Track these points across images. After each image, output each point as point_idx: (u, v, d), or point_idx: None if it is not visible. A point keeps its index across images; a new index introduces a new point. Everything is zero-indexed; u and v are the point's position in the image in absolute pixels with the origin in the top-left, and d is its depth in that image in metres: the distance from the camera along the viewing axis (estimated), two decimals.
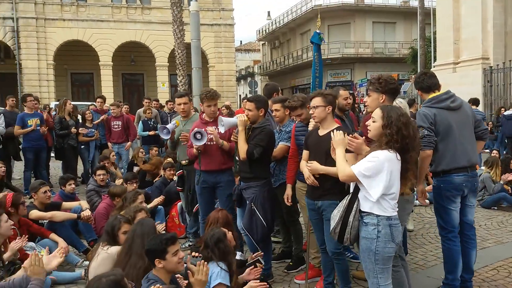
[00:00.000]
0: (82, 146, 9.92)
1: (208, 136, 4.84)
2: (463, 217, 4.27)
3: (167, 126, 5.51)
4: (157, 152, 9.80)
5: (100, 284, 2.65)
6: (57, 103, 17.73)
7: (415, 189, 4.60)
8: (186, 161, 5.55)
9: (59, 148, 9.28)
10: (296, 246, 5.05)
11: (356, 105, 5.77)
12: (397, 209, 3.26)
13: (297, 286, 4.66)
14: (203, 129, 4.84)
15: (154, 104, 12.57)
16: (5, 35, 28.35)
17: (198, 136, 4.78)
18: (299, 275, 4.83)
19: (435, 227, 5.63)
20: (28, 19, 28.32)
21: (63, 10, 29.30)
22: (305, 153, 4.16)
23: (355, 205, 3.27)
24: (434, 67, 21.60)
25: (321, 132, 3.97)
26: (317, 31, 4.69)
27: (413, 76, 26.53)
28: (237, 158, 4.95)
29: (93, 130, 9.85)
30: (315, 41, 4.66)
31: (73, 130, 9.21)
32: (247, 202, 4.59)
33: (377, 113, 3.28)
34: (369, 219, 3.20)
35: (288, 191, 4.74)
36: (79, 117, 10.58)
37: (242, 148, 4.48)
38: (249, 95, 5.04)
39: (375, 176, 3.11)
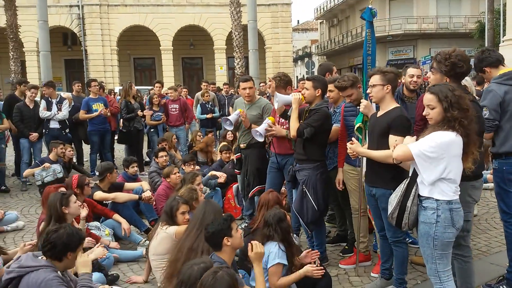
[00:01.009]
0: (152, 130, 10.27)
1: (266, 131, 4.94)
2: None
3: (229, 117, 5.45)
4: (212, 136, 9.95)
5: (192, 272, 2.81)
6: (121, 87, 18.49)
7: (483, 174, 4.36)
8: (245, 144, 5.61)
9: (126, 132, 9.59)
10: (351, 230, 4.99)
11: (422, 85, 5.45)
12: (459, 192, 3.13)
13: (352, 270, 4.62)
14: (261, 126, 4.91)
15: (211, 87, 12.76)
16: (72, 22, 29.69)
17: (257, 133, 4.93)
18: (344, 259, 4.81)
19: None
20: (92, 6, 29.50)
21: None
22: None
23: (413, 190, 3.17)
24: (503, 42, 20.29)
25: (379, 112, 3.84)
26: (370, 6, 4.49)
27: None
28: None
29: (160, 113, 10.13)
30: (366, 18, 4.47)
31: (139, 112, 9.51)
32: (300, 184, 4.58)
33: (430, 99, 3.11)
34: (428, 203, 3.10)
35: (339, 175, 4.69)
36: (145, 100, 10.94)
37: (294, 126, 4.45)
38: (306, 76, 5.01)
39: (434, 159, 3.00)
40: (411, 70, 4.83)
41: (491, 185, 7.71)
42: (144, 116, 9.73)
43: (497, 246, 5.16)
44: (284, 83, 5.08)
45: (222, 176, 6.65)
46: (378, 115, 3.84)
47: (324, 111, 4.54)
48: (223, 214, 3.60)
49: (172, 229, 4.07)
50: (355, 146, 3.81)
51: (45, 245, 3.18)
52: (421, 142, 3.07)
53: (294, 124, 4.45)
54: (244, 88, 5.53)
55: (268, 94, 10.41)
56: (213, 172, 6.82)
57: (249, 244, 3.44)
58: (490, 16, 23.25)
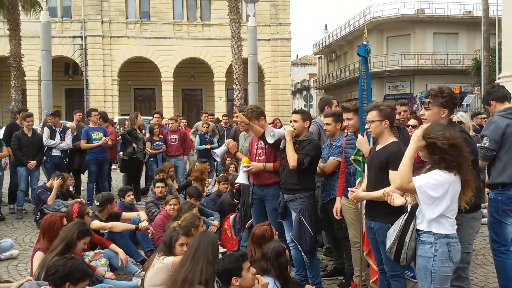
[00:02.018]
0: (151, 159, 10.33)
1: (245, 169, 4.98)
2: None
3: (216, 150, 5.64)
4: (208, 166, 10.00)
5: None
6: (121, 117, 18.62)
7: (482, 206, 4.45)
8: None
9: (128, 160, 9.65)
10: (349, 263, 4.97)
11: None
12: (456, 227, 3.15)
13: None
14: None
15: (210, 118, 12.88)
16: (74, 52, 30.11)
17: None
18: None
19: None
20: (95, 37, 30.00)
21: (128, 28, 30.74)
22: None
23: (411, 225, 3.19)
24: (499, 79, 20.63)
25: (378, 146, 3.90)
26: (364, 43, 4.62)
27: (476, 89, 25.58)
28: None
29: (160, 143, 10.23)
30: (361, 54, 4.59)
31: (147, 150, 9.70)
32: (294, 213, 4.60)
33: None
34: (426, 237, 3.12)
35: (337, 204, 4.71)
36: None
37: (292, 156, 4.51)
38: (293, 110, 5.16)
39: (436, 196, 3.03)
40: (400, 107, 4.96)
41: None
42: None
43: (495, 282, 5.09)
44: (256, 114, 5.11)
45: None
46: (376, 149, 3.89)
47: (316, 141, 4.76)
48: (237, 252, 3.59)
49: (169, 259, 4.06)
50: (356, 194, 3.84)
51: (51, 267, 3.21)
52: (423, 177, 3.08)
53: (292, 155, 4.51)
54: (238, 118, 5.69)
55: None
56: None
57: (255, 279, 3.42)
58: (486, 53, 23.71)
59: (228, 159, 8.74)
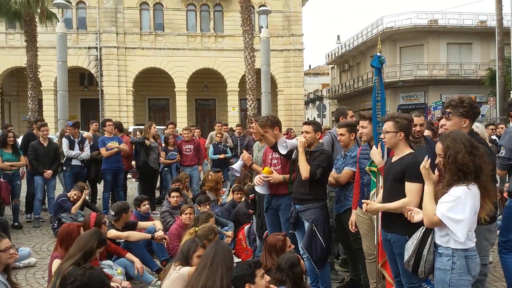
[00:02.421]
0: (165, 169, 10.42)
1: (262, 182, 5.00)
2: None
3: (234, 166, 5.64)
4: (221, 175, 10.05)
5: None
6: (135, 127, 18.80)
7: (497, 217, 4.44)
8: None
9: (142, 167, 9.75)
10: (365, 275, 4.94)
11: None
12: (475, 240, 3.13)
13: None
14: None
15: (224, 128, 12.96)
16: (89, 63, 30.50)
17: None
18: None
19: None
20: (110, 48, 30.38)
21: (142, 39, 31.09)
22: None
23: (429, 238, 3.19)
24: None
25: (394, 158, 3.89)
26: (378, 54, 4.64)
27: (491, 99, 25.34)
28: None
29: (174, 153, 10.33)
30: (375, 65, 4.60)
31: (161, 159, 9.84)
32: (307, 223, 4.61)
33: (438, 147, 3.20)
34: (443, 250, 3.11)
35: (353, 217, 4.72)
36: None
37: (305, 167, 4.53)
38: (304, 121, 5.18)
39: (461, 218, 3.00)
40: (414, 119, 4.92)
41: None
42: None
43: None
44: (271, 123, 5.15)
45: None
46: (392, 160, 3.88)
47: (328, 152, 4.80)
48: (251, 259, 3.61)
49: (185, 270, 4.07)
50: (370, 206, 3.82)
51: (69, 277, 3.26)
52: (442, 206, 3.05)
53: (305, 166, 4.54)
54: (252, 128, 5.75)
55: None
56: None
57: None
58: (500, 64, 23.51)
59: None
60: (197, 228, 4.97)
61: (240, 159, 5.65)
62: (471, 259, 3.06)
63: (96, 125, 10.80)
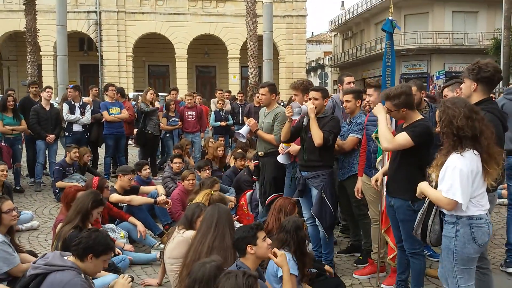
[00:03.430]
0: (167, 135, 10.39)
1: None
2: None
3: (240, 131, 5.58)
4: (223, 141, 10.03)
5: (205, 270, 2.85)
6: (135, 93, 18.67)
7: (498, 187, 4.48)
8: (262, 152, 5.63)
9: (141, 133, 9.72)
10: (366, 240, 4.98)
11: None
12: (485, 208, 3.06)
13: (366, 280, 4.61)
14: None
15: (226, 95, 12.85)
16: (89, 28, 30.10)
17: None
18: (359, 270, 4.80)
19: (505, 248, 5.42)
20: (110, 12, 29.90)
21: (142, 3, 30.57)
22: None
23: (434, 208, 3.17)
24: None
25: (404, 125, 3.85)
26: (390, 18, 4.52)
27: None
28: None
29: (176, 119, 10.26)
30: (387, 29, 4.49)
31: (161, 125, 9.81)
32: (315, 190, 4.60)
33: (437, 114, 3.16)
34: (449, 217, 3.09)
35: (359, 184, 4.70)
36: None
37: (318, 134, 4.47)
38: (312, 87, 5.15)
39: (461, 185, 2.96)
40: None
41: (505, 200, 7.68)
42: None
43: None
44: (304, 87, 5.12)
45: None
46: (403, 127, 3.84)
47: (337, 118, 4.75)
48: (253, 223, 3.63)
49: (189, 233, 4.08)
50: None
51: (75, 239, 3.25)
52: (444, 184, 3.02)
53: (318, 132, 4.48)
54: (259, 94, 5.68)
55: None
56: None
57: (272, 252, 3.44)
58: (506, 33, 23.13)
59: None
60: (213, 191, 4.98)
61: (246, 124, 5.60)
62: (476, 227, 3.01)
63: (96, 90, 10.68)
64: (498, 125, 3.56)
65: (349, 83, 5.52)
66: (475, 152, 2.99)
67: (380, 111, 3.84)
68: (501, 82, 23.35)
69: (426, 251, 5.10)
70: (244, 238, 3.32)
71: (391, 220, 4.05)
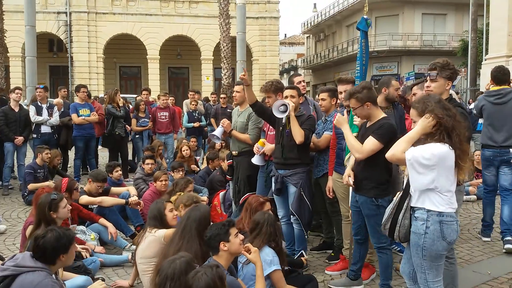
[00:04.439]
0: (137, 136, 10.27)
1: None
2: (499, 181, 5.66)
3: (215, 133, 5.65)
4: (195, 142, 9.99)
5: (175, 266, 2.82)
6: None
7: (464, 186, 4.65)
8: (236, 152, 5.63)
9: (108, 135, 9.60)
10: (338, 237, 5.04)
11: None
12: (454, 206, 3.11)
13: (338, 276, 4.66)
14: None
15: (197, 96, 12.80)
16: (59, 29, 29.49)
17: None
18: (330, 266, 4.86)
19: (481, 223, 6.03)
20: (80, 13, 29.37)
21: (114, 4, 30.14)
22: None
23: (405, 203, 3.20)
24: (485, 60, 20.78)
25: (368, 123, 3.95)
26: (365, 16, 4.59)
27: (462, 70, 25.73)
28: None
29: (146, 120, 10.16)
30: (361, 28, 4.55)
31: (128, 127, 9.62)
32: (294, 188, 4.63)
33: (414, 114, 3.19)
34: (419, 214, 3.10)
35: (329, 183, 4.76)
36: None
37: (299, 132, 4.52)
38: (287, 85, 5.24)
39: (426, 167, 3.00)
40: (396, 83, 5.00)
41: (473, 197, 7.91)
42: (127, 121, 9.74)
43: (479, 255, 5.26)
44: (275, 88, 5.14)
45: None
46: (367, 125, 3.94)
47: (313, 116, 4.83)
48: (224, 220, 3.61)
49: (161, 232, 4.06)
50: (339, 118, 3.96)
51: (36, 251, 3.12)
52: (416, 149, 3.06)
53: (300, 130, 4.54)
54: (234, 91, 5.71)
55: None
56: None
57: (245, 248, 3.45)
58: (473, 35, 23.77)
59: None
60: (180, 193, 4.95)
61: (220, 125, 5.61)
62: (446, 225, 3.04)
63: (65, 91, 10.49)
64: (469, 120, 3.69)
65: (299, 82, 5.56)
66: (450, 147, 3.04)
67: (342, 123, 3.94)
68: (468, 82, 24.00)
69: (396, 247, 5.20)
70: (216, 236, 3.32)
71: (353, 214, 4.17)
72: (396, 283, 4.43)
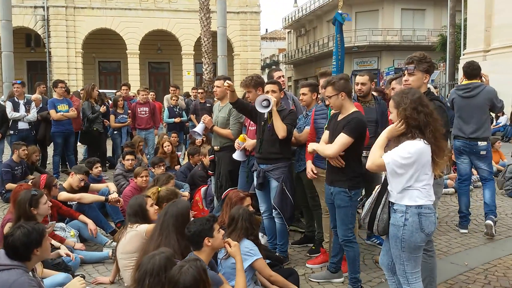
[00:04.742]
0: (115, 132, 10.15)
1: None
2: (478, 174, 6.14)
3: (196, 129, 5.65)
4: (176, 138, 9.94)
5: (155, 261, 2.82)
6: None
7: (444, 172, 4.77)
8: (218, 147, 5.63)
9: (86, 132, 9.49)
10: (319, 230, 5.08)
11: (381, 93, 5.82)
12: (432, 198, 3.16)
13: (318, 269, 4.70)
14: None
15: (175, 90, 12.65)
16: (36, 23, 28.95)
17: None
18: (311, 259, 4.90)
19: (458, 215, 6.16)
20: (58, 7, 28.87)
21: None
22: (326, 133, 4.21)
23: (383, 198, 3.24)
24: (463, 55, 21.13)
25: (340, 117, 4.01)
26: (339, 11, 4.62)
27: (441, 65, 26.09)
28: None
29: (125, 116, 10.05)
30: (338, 20, 4.57)
31: (105, 121, 9.47)
32: (276, 182, 4.64)
33: (391, 105, 3.25)
34: (398, 206, 3.15)
35: (308, 165, 4.64)
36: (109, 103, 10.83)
37: (282, 126, 4.53)
38: (267, 80, 5.26)
39: (406, 166, 3.05)
40: (357, 78, 5.13)
41: (451, 190, 8.04)
42: (105, 116, 9.64)
43: (457, 247, 5.36)
44: (255, 83, 5.14)
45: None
46: (338, 119, 4.00)
47: (294, 111, 4.84)
48: (206, 216, 3.60)
49: (143, 227, 4.03)
50: (311, 145, 4.15)
51: (7, 250, 3.07)
52: (393, 151, 3.10)
53: (282, 125, 4.54)
54: (215, 86, 5.70)
55: None
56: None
57: (226, 242, 3.46)
58: (451, 30, 24.08)
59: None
60: (159, 188, 4.92)
61: (201, 121, 5.59)
62: (424, 217, 3.09)
63: (43, 87, 10.32)
64: (447, 116, 3.73)
65: (279, 77, 5.57)
66: (425, 141, 3.08)
67: (311, 145, 4.18)
68: (447, 77, 24.32)
69: (375, 239, 5.27)
70: (201, 231, 3.31)
71: (329, 207, 4.23)
72: (376, 275, 4.50)
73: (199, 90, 11.44)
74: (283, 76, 5.85)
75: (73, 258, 4.58)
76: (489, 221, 5.67)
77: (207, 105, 10.27)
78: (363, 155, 4.09)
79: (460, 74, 20.61)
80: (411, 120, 3.10)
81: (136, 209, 4.17)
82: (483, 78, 5.94)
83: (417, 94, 3.23)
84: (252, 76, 5.25)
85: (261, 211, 4.98)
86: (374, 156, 3.19)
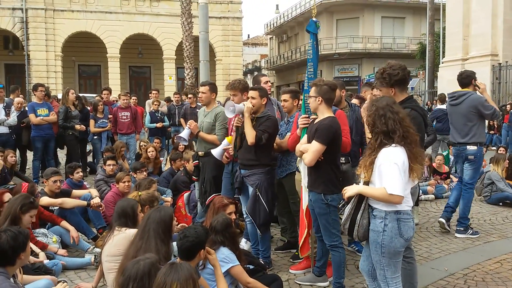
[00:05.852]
0: (95, 137, 10.04)
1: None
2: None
3: (181, 135, 5.63)
4: (159, 144, 9.88)
5: (139, 266, 2.80)
6: None
7: (423, 186, 4.83)
8: (202, 152, 5.62)
9: (60, 136, 9.39)
10: None
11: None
12: (410, 204, 3.22)
13: (302, 275, 4.73)
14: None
15: (155, 94, 12.55)
16: (14, 25, 28.46)
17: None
18: (294, 265, 4.91)
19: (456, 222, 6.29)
20: (37, 10, 28.42)
21: (72, 1, 29.33)
22: (305, 137, 4.28)
23: (363, 204, 3.27)
24: (442, 63, 21.50)
25: (316, 120, 4.11)
26: (314, 19, 4.68)
27: (421, 72, 26.53)
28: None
29: (105, 120, 9.94)
30: (311, 30, 4.64)
31: (78, 127, 9.42)
32: (251, 188, 4.67)
33: (363, 108, 3.35)
34: (377, 212, 3.20)
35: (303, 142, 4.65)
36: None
37: (251, 133, 4.55)
38: (250, 86, 5.30)
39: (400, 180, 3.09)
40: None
41: (431, 196, 8.18)
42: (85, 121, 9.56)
43: (437, 253, 5.45)
44: (243, 87, 5.18)
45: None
46: (314, 122, 4.10)
47: (274, 117, 4.82)
48: (196, 226, 3.61)
49: (133, 231, 3.94)
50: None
51: None
52: (385, 179, 3.10)
53: (251, 132, 4.56)
54: (199, 92, 5.73)
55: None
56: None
57: (206, 251, 3.46)
58: (430, 38, 24.54)
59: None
60: (140, 193, 4.88)
61: (187, 127, 5.58)
62: (403, 222, 3.15)
63: (18, 92, 10.14)
64: (421, 123, 3.78)
65: (265, 82, 5.59)
66: (400, 147, 3.14)
67: (298, 148, 4.21)
68: (426, 85, 24.74)
69: (355, 246, 5.33)
70: (202, 243, 3.33)
71: (311, 213, 4.28)
72: (358, 281, 4.54)
73: (189, 95, 11.38)
74: (269, 81, 5.91)
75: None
76: (441, 219, 6.23)
77: (197, 110, 10.25)
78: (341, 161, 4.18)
79: (439, 82, 21.02)
80: (377, 126, 3.18)
81: (128, 211, 4.06)
82: (477, 86, 6.05)
83: (385, 101, 3.28)
84: (240, 80, 5.34)
85: (244, 216, 4.99)
86: (379, 193, 3.16)
